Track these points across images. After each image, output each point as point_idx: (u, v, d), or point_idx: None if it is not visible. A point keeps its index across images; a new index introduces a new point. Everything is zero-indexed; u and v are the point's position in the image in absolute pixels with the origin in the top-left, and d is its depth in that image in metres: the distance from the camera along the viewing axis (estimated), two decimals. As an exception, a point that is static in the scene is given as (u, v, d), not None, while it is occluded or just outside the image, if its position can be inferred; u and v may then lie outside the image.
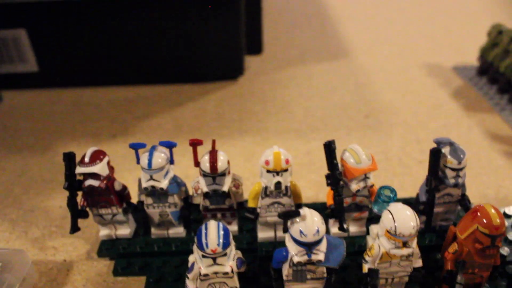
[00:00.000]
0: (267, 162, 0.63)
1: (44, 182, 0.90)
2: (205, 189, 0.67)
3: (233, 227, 0.74)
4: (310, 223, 0.53)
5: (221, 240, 0.54)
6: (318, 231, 0.53)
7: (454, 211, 0.71)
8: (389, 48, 1.47)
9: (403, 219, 0.54)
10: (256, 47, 1.35)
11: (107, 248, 0.73)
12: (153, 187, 0.67)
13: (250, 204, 0.68)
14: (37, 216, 0.82)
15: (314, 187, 0.86)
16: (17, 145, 1.01)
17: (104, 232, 0.74)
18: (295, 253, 0.55)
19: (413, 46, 1.50)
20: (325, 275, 0.59)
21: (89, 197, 0.70)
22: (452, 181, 0.65)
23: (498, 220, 0.55)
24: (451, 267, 0.60)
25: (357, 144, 0.65)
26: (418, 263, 0.59)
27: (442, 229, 0.71)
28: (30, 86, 1.24)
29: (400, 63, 1.36)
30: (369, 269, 0.58)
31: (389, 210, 0.56)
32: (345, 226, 0.64)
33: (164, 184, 0.67)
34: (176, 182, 0.70)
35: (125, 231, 0.74)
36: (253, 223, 0.73)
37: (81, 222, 0.77)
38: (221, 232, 0.55)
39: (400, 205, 0.57)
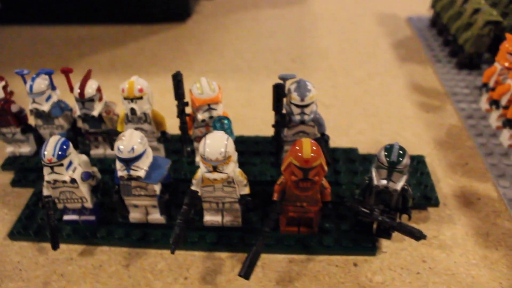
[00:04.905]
0: (122, 90, 0.69)
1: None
2: (78, 113, 0.74)
3: (116, 152, 0.80)
4: (127, 141, 0.58)
5: (56, 152, 0.60)
6: (133, 148, 0.58)
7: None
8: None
9: (212, 144, 0.57)
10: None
11: (10, 163, 0.83)
12: (36, 109, 0.75)
13: (118, 129, 0.74)
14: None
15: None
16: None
17: (9, 149, 0.83)
18: (118, 169, 0.61)
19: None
20: (157, 192, 0.65)
21: (-9, 117, 0.79)
22: (297, 117, 0.67)
23: (310, 154, 0.56)
24: (276, 197, 0.63)
25: (205, 78, 0.69)
26: (244, 190, 0.63)
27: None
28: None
29: (355, 11, 1.33)
30: (189, 190, 0.63)
31: (205, 137, 0.60)
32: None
33: (45, 107, 0.74)
34: (59, 107, 0.77)
35: (26, 149, 0.83)
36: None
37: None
38: (59, 145, 0.61)
39: (218, 133, 0.60)
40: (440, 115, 0.92)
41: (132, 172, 0.60)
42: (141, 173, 0.60)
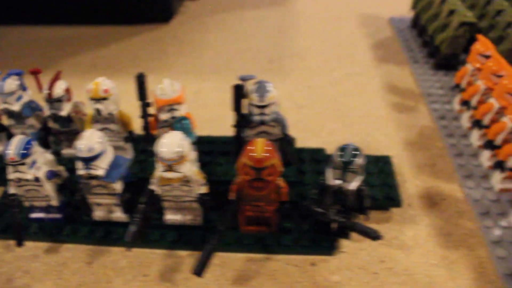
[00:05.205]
0: (88, 91, 0.70)
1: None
2: (47, 113, 0.76)
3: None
4: (86, 141, 0.60)
5: (20, 151, 0.61)
6: (92, 148, 0.60)
7: (279, 150, 0.73)
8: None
9: (166, 144, 0.58)
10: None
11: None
12: (7, 109, 0.76)
13: (86, 128, 0.76)
14: None
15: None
16: None
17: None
18: (79, 168, 0.62)
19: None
20: (118, 191, 0.66)
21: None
22: (257, 118, 0.68)
23: (261, 154, 0.57)
24: (232, 196, 0.63)
25: (169, 79, 0.70)
26: (201, 190, 0.64)
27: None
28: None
29: (338, 12, 1.34)
30: (147, 188, 0.64)
31: (161, 137, 0.61)
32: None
33: (16, 107, 0.76)
34: (31, 107, 0.78)
35: (-4, 148, 0.85)
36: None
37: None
38: (22, 145, 0.62)
39: (174, 132, 0.61)
40: (413, 116, 0.92)
41: (91, 171, 0.61)
42: (100, 172, 0.62)
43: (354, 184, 0.60)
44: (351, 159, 0.58)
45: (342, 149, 0.60)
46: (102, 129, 0.74)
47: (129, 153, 0.78)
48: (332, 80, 1.01)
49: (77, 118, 0.77)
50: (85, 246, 0.68)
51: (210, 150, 0.79)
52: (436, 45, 1.02)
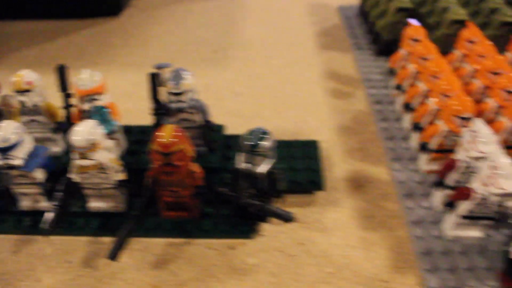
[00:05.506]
0: (12, 83, 0.71)
1: None
2: (-26, 106, 0.77)
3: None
4: (2, 131, 0.61)
5: None
6: (7, 138, 0.60)
7: (201, 137, 0.74)
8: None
9: (78, 132, 0.60)
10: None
11: None
12: None
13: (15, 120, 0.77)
14: None
15: (126, 113, 0.88)
16: None
17: None
18: None
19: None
20: (39, 180, 0.67)
21: None
22: (174, 105, 0.69)
23: (169, 139, 0.57)
24: (151, 184, 0.64)
25: (90, 70, 0.71)
26: (118, 176, 0.66)
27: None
28: None
29: (288, 2, 1.35)
30: (64, 176, 0.65)
31: (76, 126, 0.62)
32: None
33: None
34: (-40, 102, 0.80)
35: None
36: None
37: None
38: None
39: (88, 121, 0.62)
40: (350, 101, 0.93)
41: (8, 161, 0.62)
42: (17, 162, 0.63)
43: (263, 167, 0.61)
44: (258, 142, 0.60)
45: (251, 132, 0.61)
46: (29, 121, 0.75)
47: (59, 144, 0.79)
48: (272, 68, 1.02)
49: (7, 111, 0.78)
50: (12, 236, 0.69)
51: (138, 139, 0.81)
52: (378, 31, 1.04)
